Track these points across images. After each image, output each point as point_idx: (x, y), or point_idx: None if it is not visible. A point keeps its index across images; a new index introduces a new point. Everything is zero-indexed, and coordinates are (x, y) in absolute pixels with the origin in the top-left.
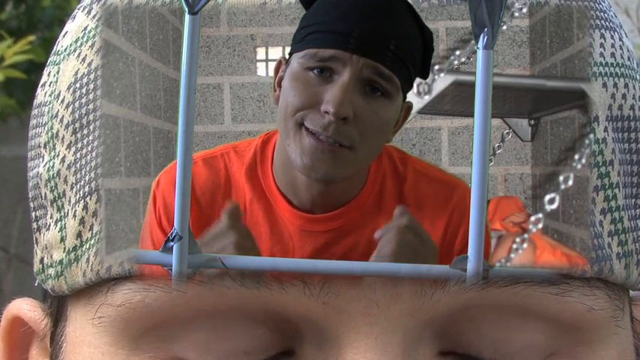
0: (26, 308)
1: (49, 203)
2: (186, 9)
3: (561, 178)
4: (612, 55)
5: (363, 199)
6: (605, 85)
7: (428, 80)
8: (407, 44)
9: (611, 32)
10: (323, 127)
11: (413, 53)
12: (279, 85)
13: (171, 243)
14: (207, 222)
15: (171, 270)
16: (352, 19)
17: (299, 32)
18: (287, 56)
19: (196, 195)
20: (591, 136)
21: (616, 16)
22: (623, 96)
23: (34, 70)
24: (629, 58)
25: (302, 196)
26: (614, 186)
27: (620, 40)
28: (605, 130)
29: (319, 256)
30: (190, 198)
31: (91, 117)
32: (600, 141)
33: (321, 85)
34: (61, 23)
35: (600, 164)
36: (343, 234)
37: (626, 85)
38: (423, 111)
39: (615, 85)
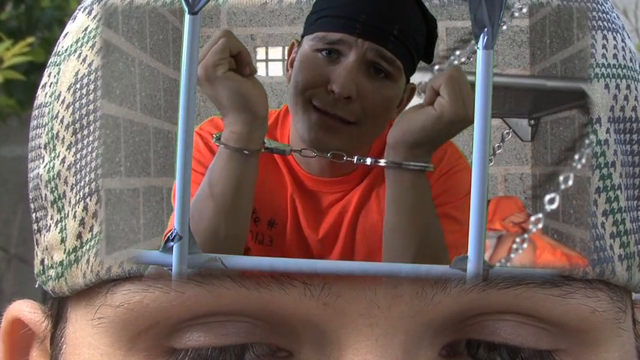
0: (26, 310)
1: (49, 204)
2: (186, 9)
3: (561, 178)
4: (614, 56)
5: (366, 167)
6: (607, 86)
7: (428, 80)
8: (410, 30)
9: (614, 33)
10: (329, 105)
11: (415, 38)
12: (292, 66)
13: (171, 243)
14: None
15: (171, 270)
16: (359, 4)
17: (310, 16)
18: (299, 39)
19: None
20: (593, 137)
21: (619, 18)
22: (625, 97)
23: (33, 70)
24: (631, 60)
25: (312, 166)
26: (616, 188)
27: (623, 41)
28: (607, 131)
29: (329, 206)
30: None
31: (91, 117)
32: (602, 142)
33: (328, 66)
34: (61, 24)
35: (602, 166)
36: (346, 193)
37: (628, 87)
38: None
39: (617, 86)
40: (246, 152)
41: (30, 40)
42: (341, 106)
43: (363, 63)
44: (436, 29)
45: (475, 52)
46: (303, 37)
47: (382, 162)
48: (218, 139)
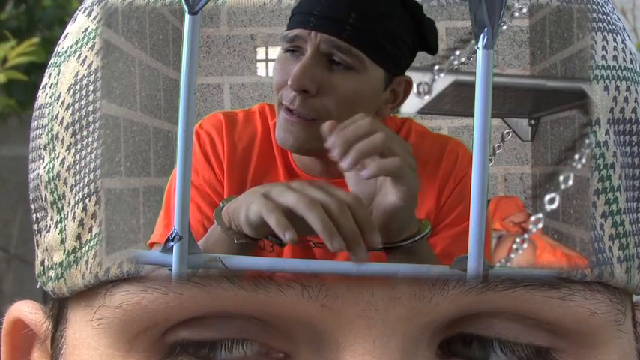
0: (27, 311)
1: (49, 205)
2: (186, 9)
3: (561, 178)
4: (614, 57)
5: None
6: (606, 87)
7: (428, 80)
8: (373, 17)
9: (614, 35)
10: (290, 101)
11: (384, 24)
12: None
13: (172, 243)
14: (242, 165)
15: (171, 270)
16: None
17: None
18: None
19: (234, 140)
20: (592, 138)
21: (619, 19)
22: (625, 99)
23: (34, 70)
24: (631, 61)
25: (311, 167)
26: (615, 189)
27: (623, 42)
28: (607, 133)
29: None
30: (222, 147)
31: (90, 119)
32: (601, 144)
33: (292, 64)
34: (62, 23)
35: (601, 167)
36: None
37: (628, 88)
38: (423, 111)
39: (617, 88)
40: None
41: (35, 40)
42: (301, 102)
43: (321, 56)
44: (422, 14)
45: (475, 52)
46: None
47: (380, 246)
48: (226, 228)
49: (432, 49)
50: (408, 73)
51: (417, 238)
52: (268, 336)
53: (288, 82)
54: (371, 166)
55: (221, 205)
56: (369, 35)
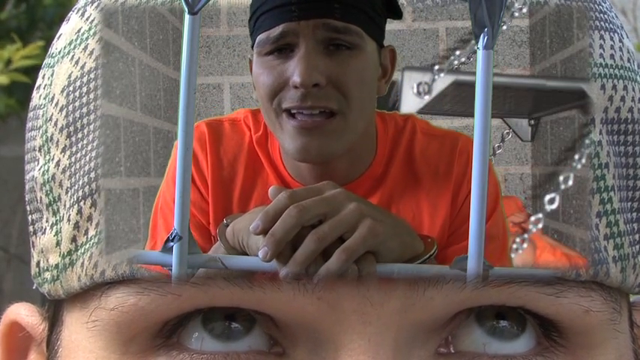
0: (24, 313)
1: (44, 207)
2: (186, 9)
3: (561, 178)
4: (612, 56)
5: (374, 169)
6: (603, 86)
7: (428, 80)
8: None
9: (611, 33)
10: (300, 101)
11: None
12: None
13: (171, 243)
14: (228, 180)
15: (171, 270)
16: None
17: (249, 23)
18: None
19: (219, 154)
20: (590, 136)
21: (617, 17)
22: (622, 98)
23: (33, 69)
24: (629, 60)
25: (307, 179)
26: (609, 189)
27: (621, 41)
28: (600, 132)
29: None
30: (210, 160)
31: (85, 120)
32: (596, 143)
33: (284, 64)
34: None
35: (596, 167)
36: None
37: (625, 88)
38: (423, 111)
39: (614, 87)
40: None
41: (40, 43)
42: (315, 97)
43: (318, 44)
44: None
45: (475, 52)
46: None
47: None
48: (229, 247)
49: (399, 13)
50: (407, 72)
51: (419, 262)
52: (274, 338)
53: (296, 81)
54: (319, 275)
55: (225, 222)
56: (359, 8)
